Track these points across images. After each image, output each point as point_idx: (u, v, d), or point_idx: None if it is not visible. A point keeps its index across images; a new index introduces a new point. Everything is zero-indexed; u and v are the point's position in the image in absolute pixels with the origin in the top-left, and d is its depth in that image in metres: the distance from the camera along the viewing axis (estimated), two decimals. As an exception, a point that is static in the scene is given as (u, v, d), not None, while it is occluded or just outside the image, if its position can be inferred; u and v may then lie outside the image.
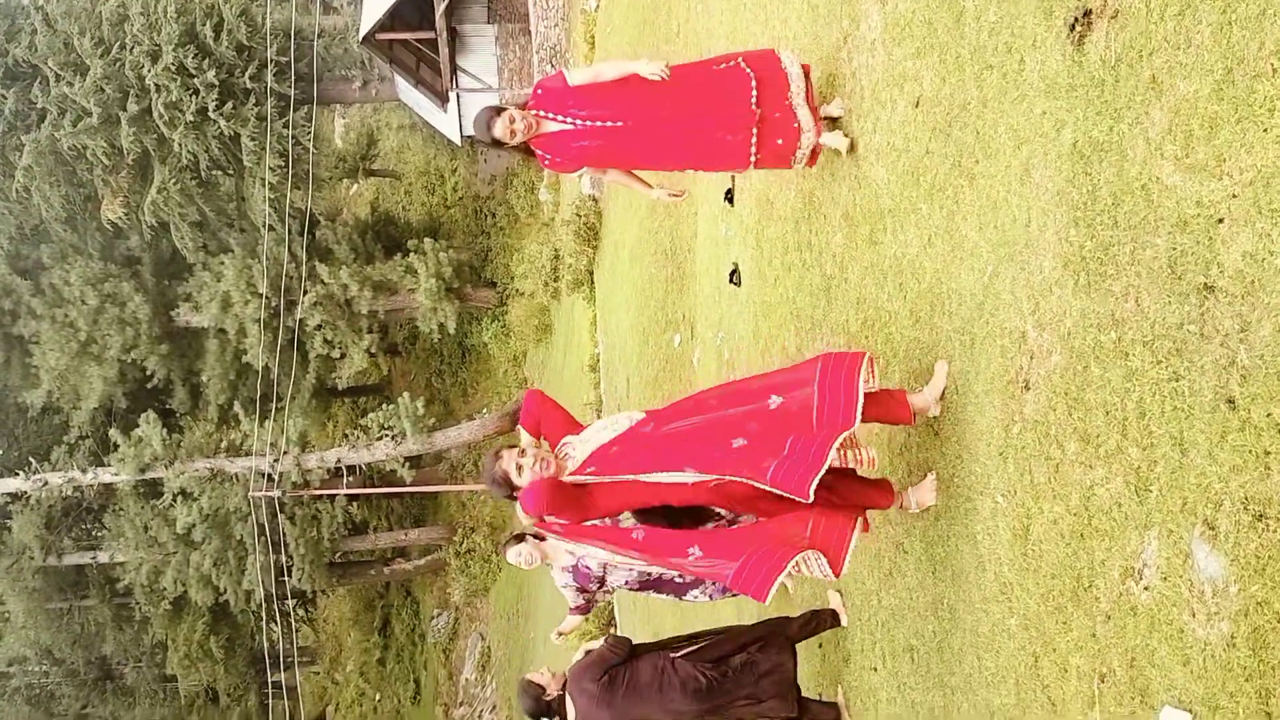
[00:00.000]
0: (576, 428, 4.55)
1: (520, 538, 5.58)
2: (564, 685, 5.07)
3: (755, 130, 4.74)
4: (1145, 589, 2.66)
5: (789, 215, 6.17)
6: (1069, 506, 3.03)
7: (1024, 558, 3.28)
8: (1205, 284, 2.46)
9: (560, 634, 5.84)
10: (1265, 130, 2.28)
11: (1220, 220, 2.41)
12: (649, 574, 5.44)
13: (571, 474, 4.30)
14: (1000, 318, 3.53)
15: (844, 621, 5.22)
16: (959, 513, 3.85)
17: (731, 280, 7.60)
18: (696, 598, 5.51)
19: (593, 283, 17.16)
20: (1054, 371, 3.15)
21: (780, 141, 4.81)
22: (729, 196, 7.76)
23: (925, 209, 4.19)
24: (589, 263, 17.13)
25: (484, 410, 24.57)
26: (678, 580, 5.40)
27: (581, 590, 5.39)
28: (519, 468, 4.41)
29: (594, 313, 16.76)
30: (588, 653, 5.11)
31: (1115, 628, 2.78)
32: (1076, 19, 3.00)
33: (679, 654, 4.97)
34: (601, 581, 5.40)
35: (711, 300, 8.71)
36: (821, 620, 5.28)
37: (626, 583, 5.24)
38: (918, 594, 4.30)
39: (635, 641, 5.20)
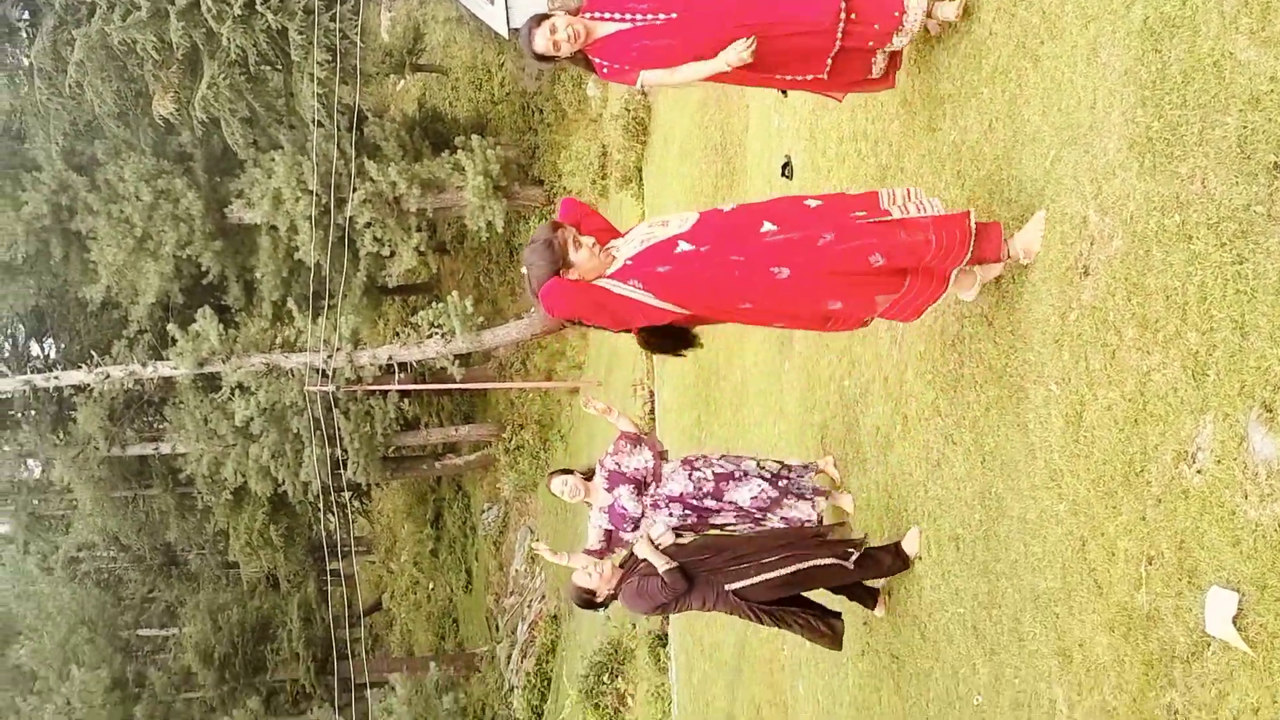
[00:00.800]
0: (616, 234, 4.12)
1: (566, 471, 5.90)
2: (615, 587, 5.21)
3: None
4: (1198, 472, 2.66)
5: (844, 104, 6.04)
6: (1124, 392, 3.02)
7: (1075, 444, 3.28)
8: (1275, 163, 2.40)
9: (552, 554, 6.11)
10: (1349, -2, 2.19)
11: (1296, 95, 2.33)
12: (689, 515, 5.63)
13: (612, 275, 3.88)
14: (1061, 203, 3.47)
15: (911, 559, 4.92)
16: (1010, 402, 3.84)
17: (784, 173, 7.50)
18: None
19: (641, 179, 17.02)
20: (1114, 256, 3.10)
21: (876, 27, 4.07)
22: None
23: (986, 93, 4.10)
24: (637, 159, 16.97)
25: (532, 310, 24.67)
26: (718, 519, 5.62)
27: (610, 534, 5.66)
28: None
29: (642, 210, 16.66)
30: (630, 569, 5.21)
31: (1165, 511, 2.79)
32: (1153, -113, 2.88)
33: (734, 585, 4.99)
34: (636, 524, 5.61)
35: (763, 195, 8.62)
36: (881, 561, 5.01)
37: (667, 527, 5.42)
38: (965, 484, 4.33)
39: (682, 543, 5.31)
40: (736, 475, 5.69)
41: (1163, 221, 2.86)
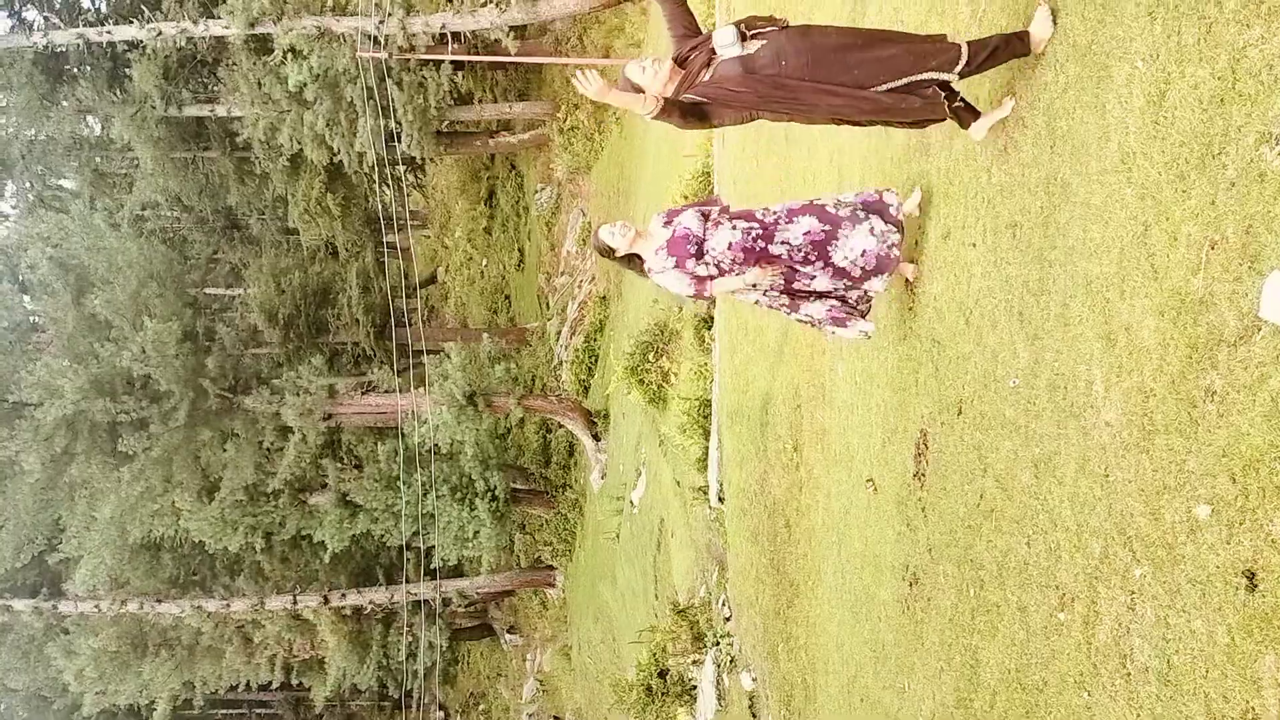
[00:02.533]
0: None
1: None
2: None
3: None
4: (1278, 155, 2.55)
5: None
6: (1214, 69, 2.85)
7: (1154, 125, 3.15)
8: None
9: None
10: None
11: None
12: (754, 228, 5.16)
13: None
14: None
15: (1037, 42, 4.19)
16: (1090, 81, 3.66)
17: None
18: (812, 282, 5.27)
19: None
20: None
21: None
22: None
23: None
24: None
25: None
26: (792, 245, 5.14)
27: (687, 273, 5.14)
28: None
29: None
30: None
31: (1238, 194, 2.70)
32: None
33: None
34: (700, 246, 5.11)
35: None
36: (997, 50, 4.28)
37: (730, 245, 5.08)
38: (1031, 170, 4.21)
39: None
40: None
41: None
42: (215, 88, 25.69)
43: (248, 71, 23.33)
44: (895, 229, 5.16)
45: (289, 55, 22.44)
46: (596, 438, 21.84)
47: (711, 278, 5.18)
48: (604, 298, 22.64)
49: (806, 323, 5.66)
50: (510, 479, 24.39)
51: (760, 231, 5.15)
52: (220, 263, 30.59)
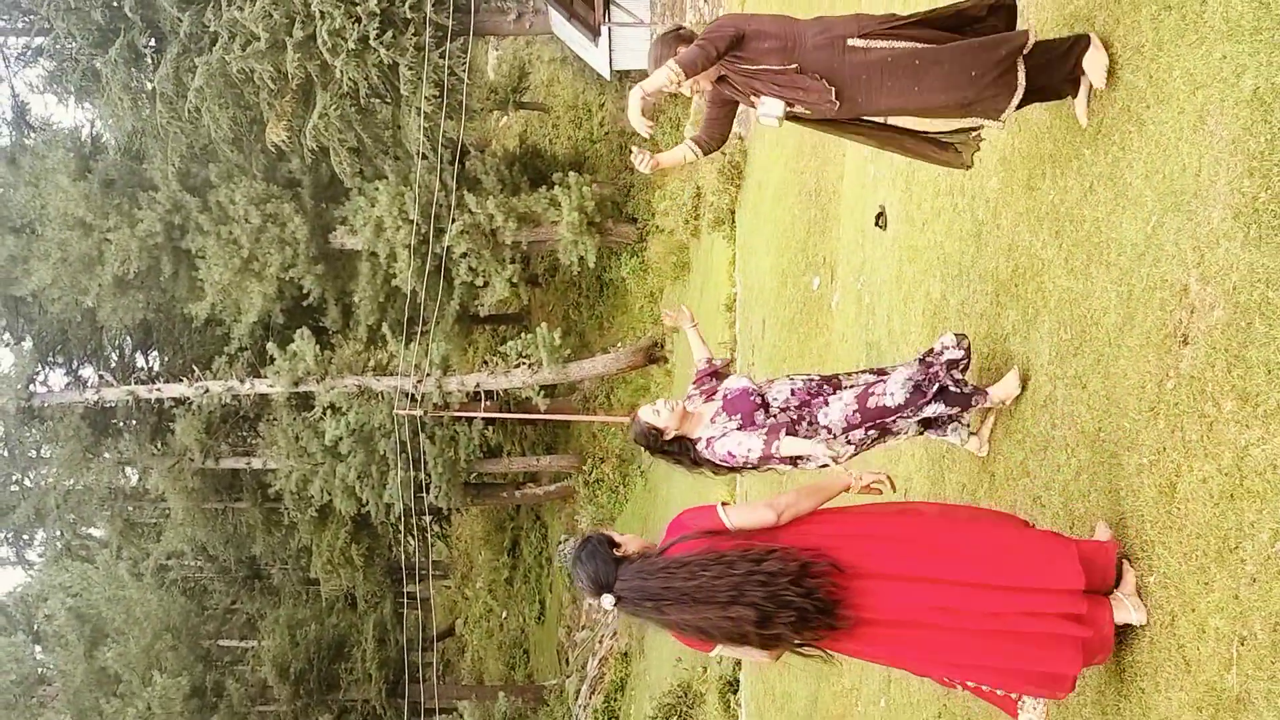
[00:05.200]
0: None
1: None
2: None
3: None
4: (1296, 553, 2.59)
5: (942, 158, 6.04)
6: (1220, 466, 2.95)
7: (1168, 516, 3.22)
8: (1388, 240, 2.35)
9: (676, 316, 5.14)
10: None
11: None
12: (814, 377, 4.62)
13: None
14: (1161, 269, 3.42)
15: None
16: (1102, 468, 3.78)
17: (877, 223, 7.49)
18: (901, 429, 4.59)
19: (734, 222, 17.10)
20: (1215, 327, 3.05)
21: None
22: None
23: (1089, 154, 4.07)
24: (731, 201, 17.06)
25: (619, 344, 24.87)
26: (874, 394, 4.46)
27: (756, 428, 4.39)
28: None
29: (733, 252, 16.72)
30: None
31: (1260, 591, 2.71)
32: (1268, -43, 2.86)
33: None
34: (763, 398, 4.50)
35: (854, 244, 8.61)
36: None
37: (794, 392, 4.52)
38: (1052, 548, 4.24)
39: None
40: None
41: (1266, 294, 2.80)
42: (254, 441, 26.63)
43: (287, 426, 24.25)
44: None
45: (328, 411, 23.41)
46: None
47: (779, 429, 4.38)
48: (625, 654, 22.04)
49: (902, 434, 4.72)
50: None
51: (820, 379, 4.64)
52: (238, 613, 30.31)
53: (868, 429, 4.53)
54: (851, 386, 4.58)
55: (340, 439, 23.35)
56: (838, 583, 3.19)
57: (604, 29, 22.89)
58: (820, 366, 9.68)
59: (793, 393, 4.52)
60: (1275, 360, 2.75)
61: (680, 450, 4.52)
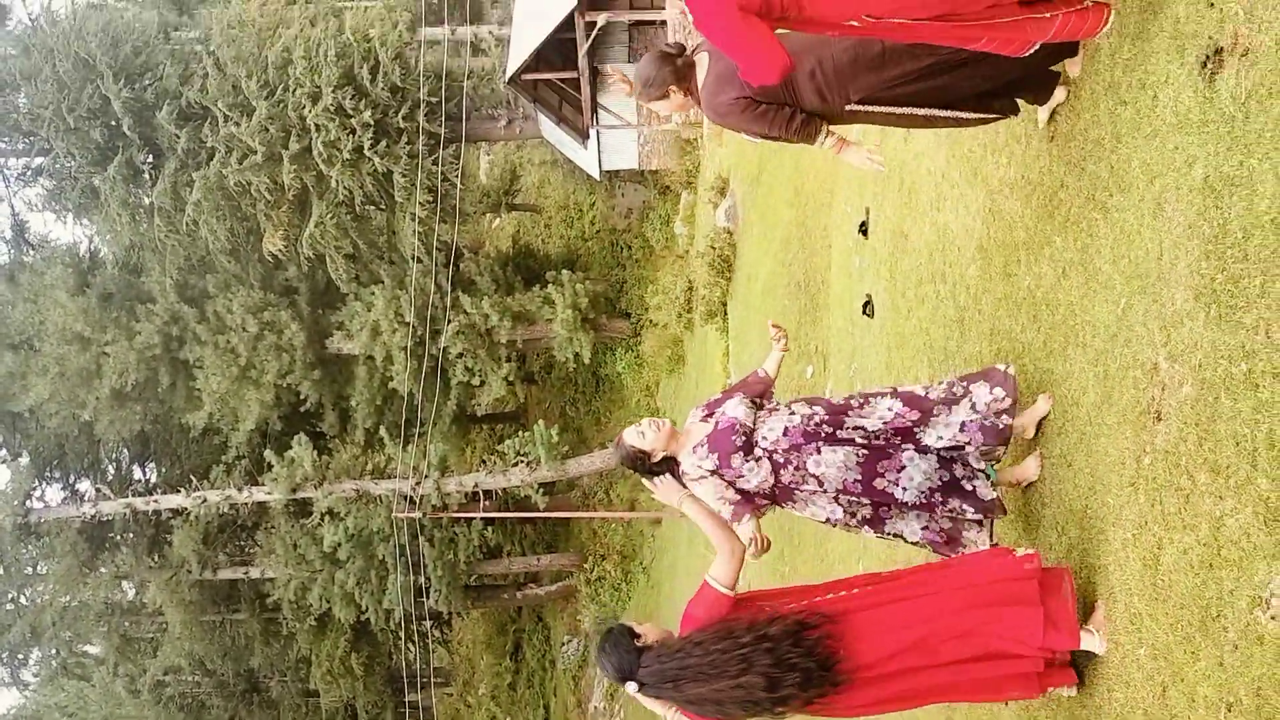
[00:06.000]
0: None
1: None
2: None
3: None
4: (1272, 618, 2.67)
5: (922, 248, 6.24)
6: (1199, 537, 3.05)
7: (1154, 588, 3.30)
8: (1334, 316, 2.49)
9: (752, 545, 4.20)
10: (1392, 165, 2.32)
11: (1349, 253, 2.45)
12: (818, 412, 4.25)
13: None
14: (1133, 349, 3.56)
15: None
16: (1091, 544, 3.86)
17: (865, 312, 7.67)
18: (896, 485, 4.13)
19: (726, 314, 17.35)
20: (1185, 403, 3.18)
21: None
22: (863, 228, 7.85)
23: (1059, 241, 4.24)
24: (722, 294, 17.33)
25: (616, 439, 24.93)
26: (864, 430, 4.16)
27: (728, 475, 4.17)
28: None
29: (727, 344, 16.93)
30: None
31: (1242, 657, 2.79)
32: (1208, 56, 3.06)
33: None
34: (750, 438, 4.21)
35: (844, 332, 8.78)
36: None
37: (787, 431, 4.18)
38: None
39: None
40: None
41: (1230, 370, 2.94)
42: (251, 550, 26.48)
43: (285, 534, 24.16)
44: (1007, 395, 4.11)
45: (326, 517, 23.35)
46: None
47: (752, 506, 4.20)
48: (633, 757, 21.61)
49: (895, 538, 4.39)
50: None
51: (825, 416, 4.22)
52: (236, 730, 29.73)
53: (863, 500, 4.20)
54: (857, 440, 4.18)
55: (339, 545, 23.25)
56: (830, 632, 3.41)
57: (592, 132, 23.49)
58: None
59: (785, 432, 4.18)
60: (1242, 433, 2.87)
61: (668, 473, 4.30)
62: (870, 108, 3.99)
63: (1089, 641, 3.60)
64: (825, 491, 4.17)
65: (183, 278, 24.51)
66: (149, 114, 22.33)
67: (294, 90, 21.77)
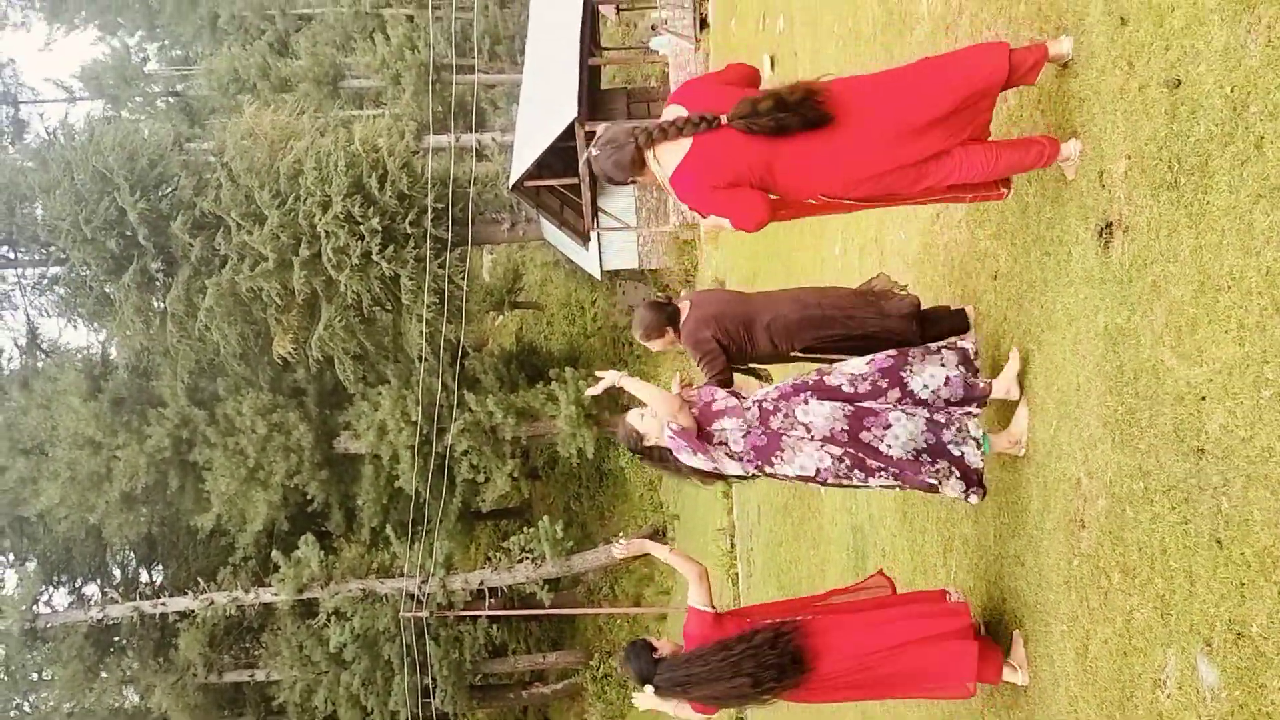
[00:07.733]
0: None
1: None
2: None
3: None
4: (1167, 697, 3.20)
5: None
6: (1115, 629, 3.58)
7: (1084, 673, 3.82)
8: (1198, 447, 3.07)
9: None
10: (1225, 332, 2.92)
11: (1203, 398, 3.04)
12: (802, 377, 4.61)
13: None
14: (1063, 465, 4.14)
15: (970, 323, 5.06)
16: (1041, 635, 4.39)
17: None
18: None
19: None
20: (1101, 513, 3.74)
21: None
22: None
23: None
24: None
25: (621, 534, 25.29)
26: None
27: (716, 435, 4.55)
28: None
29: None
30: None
31: (1152, 734, 3.31)
32: (1102, 227, 3.70)
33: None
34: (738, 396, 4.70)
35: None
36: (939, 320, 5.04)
37: (777, 386, 4.62)
38: (1004, 715, 4.80)
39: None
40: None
41: (1132, 487, 3.51)
42: (257, 652, 26.58)
43: (291, 635, 24.35)
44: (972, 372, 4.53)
45: (333, 617, 23.58)
46: None
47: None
48: None
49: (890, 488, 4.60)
50: None
51: (814, 378, 4.57)
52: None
53: (848, 455, 4.42)
54: (844, 390, 4.46)
55: (344, 645, 23.45)
56: (801, 629, 4.48)
57: (593, 234, 24.36)
58: (814, 546, 10.27)
59: (776, 387, 4.60)
60: (1144, 540, 3.43)
61: (662, 457, 4.76)
62: (811, 355, 5.03)
63: (1010, 674, 4.46)
64: (813, 439, 4.41)
65: (193, 381, 25.10)
66: (164, 223, 23.15)
67: (305, 199, 22.66)
